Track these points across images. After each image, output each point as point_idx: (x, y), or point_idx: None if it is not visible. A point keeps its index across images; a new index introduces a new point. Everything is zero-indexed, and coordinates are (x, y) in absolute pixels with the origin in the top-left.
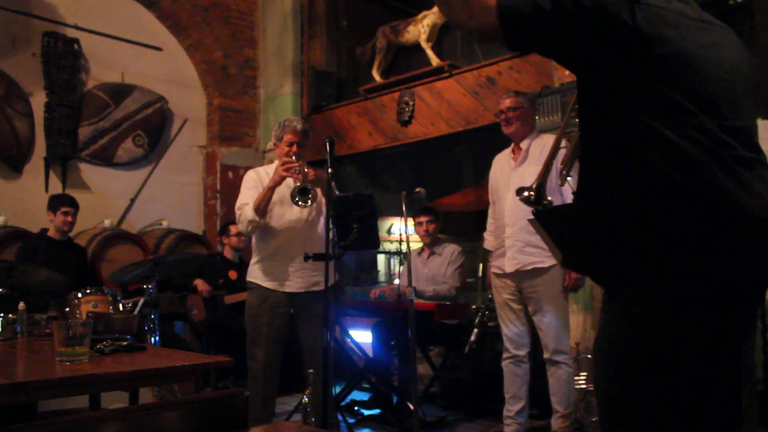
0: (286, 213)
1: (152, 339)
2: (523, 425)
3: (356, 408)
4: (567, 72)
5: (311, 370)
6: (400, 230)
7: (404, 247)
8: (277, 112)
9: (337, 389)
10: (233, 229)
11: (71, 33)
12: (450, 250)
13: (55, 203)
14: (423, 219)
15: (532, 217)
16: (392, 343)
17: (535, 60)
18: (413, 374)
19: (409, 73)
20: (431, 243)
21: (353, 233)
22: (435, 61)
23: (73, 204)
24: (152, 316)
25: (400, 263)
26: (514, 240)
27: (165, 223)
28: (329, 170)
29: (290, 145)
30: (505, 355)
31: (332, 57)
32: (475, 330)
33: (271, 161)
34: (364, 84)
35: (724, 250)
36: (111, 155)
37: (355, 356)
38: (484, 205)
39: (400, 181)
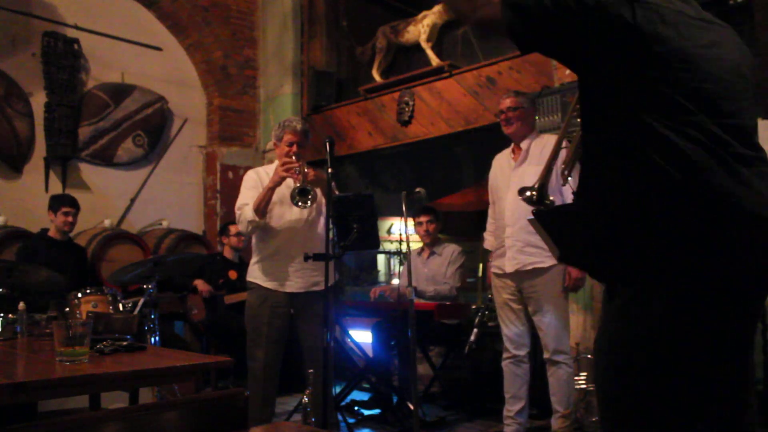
0: (286, 213)
1: (152, 339)
2: (523, 425)
3: (356, 408)
4: (567, 72)
5: (311, 370)
6: (400, 230)
7: (404, 247)
8: (277, 112)
9: (337, 389)
10: (233, 229)
11: (71, 33)
12: (450, 250)
13: (57, 203)
14: (423, 219)
15: (532, 217)
16: (392, 343)
17: (535, 60)
18: (413, 374)
19: (409, 73)
20: (431, 243)
21: (353, 233)
22: (435, 61)
23: (75, 205)
24: (152, 316)
25: (400, 263)
26: (514, 240)
27: (165, 223)
28: (329, 170)
29: (290, 145)
30: (505, 355)
31: (332, 57)
32: (475, 330)
33: (271, 161)
34: (364, 84)
35: (724, 250)
36: (111, 155)
37: (355, 356)
38: (484, 205)
39: (400, 181)
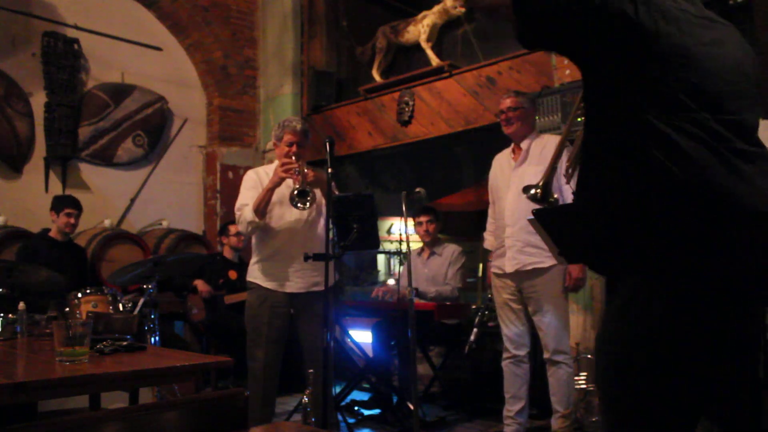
0: (286, 213)
1: (152, 339)
2: (523, 425)
3: (356, 408)
4: (567, 72)
5: (311, 370)
6: (400, 230)
7: (404, 247)
8: (277, 112)
9: (337, 389)
10: (233, 229)
11: (71, 33)
12: (450, 251)
13: (59, 204)
14: (423, 219)
15: (531, 217)
16: (392, 343)
17: (535, 60)
18: (413, 374)
19: (409, 73)
20: (431, 243)
21: (353, 233)
22: (435, 61)
23: (77, 206)
24: (152, 316)
25: (400, 263)
26: (514, 240)
27: (165, 223)
28: (329, 170)
29: (290, 145)
30: (505, 355)
31: (332, 57)
32: (475, 330)
33: (271, 161)
34: (364, 84)
35: (725, 249)
36: (111, 155)
37: (355, 356)
38: (484, 205)
39: (400, 181)
